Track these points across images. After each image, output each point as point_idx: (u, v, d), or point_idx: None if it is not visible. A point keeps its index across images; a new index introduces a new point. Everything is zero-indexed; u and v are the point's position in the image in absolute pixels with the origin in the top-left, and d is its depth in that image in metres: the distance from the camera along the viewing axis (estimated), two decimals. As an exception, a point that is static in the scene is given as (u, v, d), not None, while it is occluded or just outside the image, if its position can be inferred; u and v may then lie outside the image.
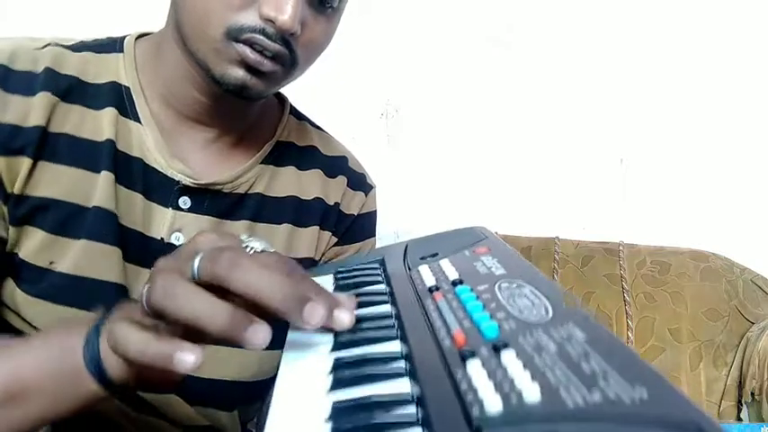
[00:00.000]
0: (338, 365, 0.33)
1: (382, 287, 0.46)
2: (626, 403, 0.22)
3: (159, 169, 0.61)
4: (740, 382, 1.40)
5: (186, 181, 0.61)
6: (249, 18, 0.53)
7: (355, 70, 1.66)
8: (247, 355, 0.64)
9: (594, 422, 0.21)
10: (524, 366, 0.26)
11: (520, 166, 1.69)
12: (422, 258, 0.48)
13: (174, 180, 0.61)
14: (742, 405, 1.40)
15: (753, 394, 1.35)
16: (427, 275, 0.43)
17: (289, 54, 0.56)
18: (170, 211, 0.62)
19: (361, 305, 0.42)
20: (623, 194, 1.67)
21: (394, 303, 0.41)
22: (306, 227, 0.71)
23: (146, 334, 0.36)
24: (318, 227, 0.72)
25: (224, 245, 0.39)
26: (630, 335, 1.45)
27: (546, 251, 1.53)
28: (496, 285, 0.37)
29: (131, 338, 0.36)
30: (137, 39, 0.65)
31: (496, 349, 0.29)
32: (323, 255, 0.73)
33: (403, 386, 0.29)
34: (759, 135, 1.61)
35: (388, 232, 1.58)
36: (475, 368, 0.27)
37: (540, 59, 1.68)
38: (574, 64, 1.67)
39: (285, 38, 0.54)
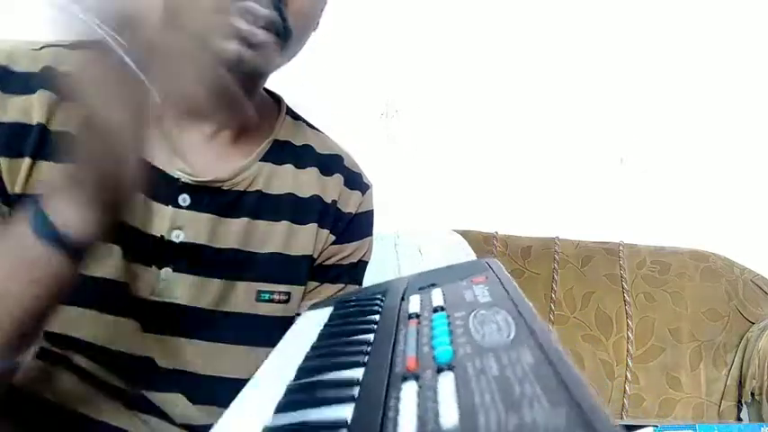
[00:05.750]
0: (290, 390, 0.34)
1: (375, 317, 0.47)
2: (539, 428, 0.22)
3: (159, 167, 0.61)
4: (740, 382, 1.40)
5: (186, 178, 0.62)
6: None
7: (355, 70, 1.67)
8: (246, 352, 0.65)
9: None
10: (456, 390, 0.27)
11: (520, 166, 1.69)
12: (420, 288, 0.49)
13: (173, 177, 0.62)
14: (742, 405, 1.39)
15: (753, 394, 1.35)
16: (415, 303, 0.44)
17: (281, 22, 0.57)
18: (170, 208, 0.62)
19: (348, 333, 0.43)
20: (623, 194, 1.67)
21: (376, 332, 0.42)
22: (304, 224, 0.71)
23: None
24: (317, 224, 0.72)
25: None
26: (630, 335, 1.45)
27: (546, 251, 1.53)
28: (473, 313, 0.37)
29: None
30: None
31: (440, 372, 0.29)
32: (321, 253, 0.73)
33: (345, 412, 0.30)
34: (759, 135, 1.61)
35: (389, 232, 1.58)
36: (408, 391, 0.28)
37: (540, 59, 1.68)
38: (574, 64, 1.67)
39: (275, 3, 0.56)
